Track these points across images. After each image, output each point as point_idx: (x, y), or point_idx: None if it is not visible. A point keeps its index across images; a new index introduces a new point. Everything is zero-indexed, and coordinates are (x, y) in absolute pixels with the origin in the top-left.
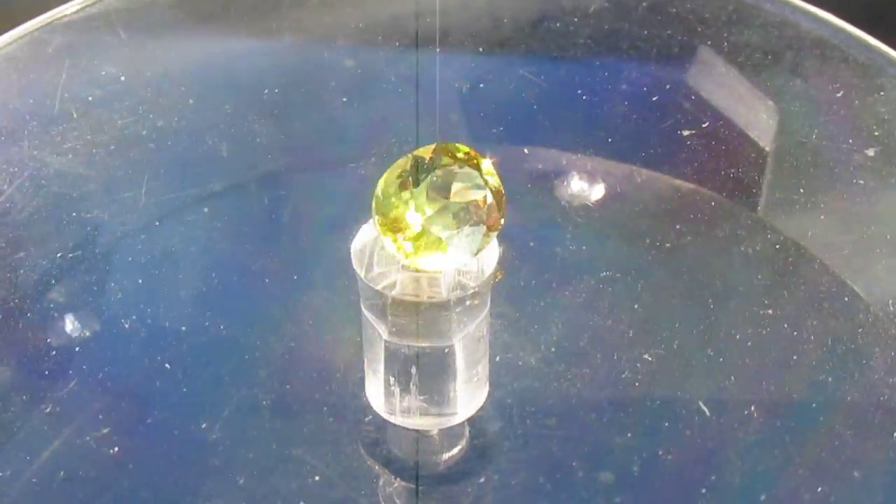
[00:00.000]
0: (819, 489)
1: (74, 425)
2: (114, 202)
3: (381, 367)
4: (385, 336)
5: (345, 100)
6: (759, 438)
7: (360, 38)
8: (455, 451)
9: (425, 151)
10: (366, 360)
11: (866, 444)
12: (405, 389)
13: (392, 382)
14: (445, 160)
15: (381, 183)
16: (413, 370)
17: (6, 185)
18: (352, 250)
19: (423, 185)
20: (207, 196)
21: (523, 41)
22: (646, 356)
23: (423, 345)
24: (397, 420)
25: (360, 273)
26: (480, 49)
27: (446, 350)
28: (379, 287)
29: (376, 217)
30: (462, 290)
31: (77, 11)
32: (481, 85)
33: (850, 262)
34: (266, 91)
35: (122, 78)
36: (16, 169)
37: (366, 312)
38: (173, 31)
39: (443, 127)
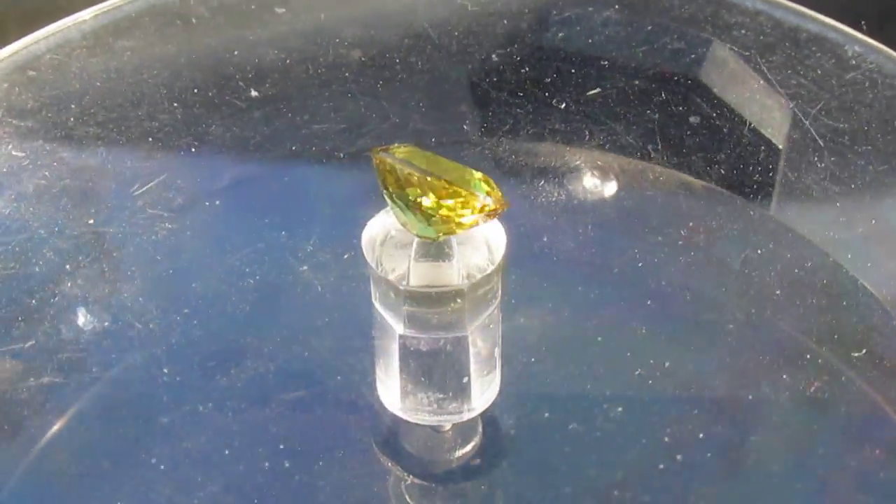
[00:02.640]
0: (832, 484)
1: (86, 419)
2: (122, 195)
3: (473, 365)
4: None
5: (351, 91)
6: (771, 434)
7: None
8: (469, 447)
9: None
10: (437, 378)
11: (881, 440)
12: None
13: (496, 352)
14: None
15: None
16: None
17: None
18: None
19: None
20: (214, 189)
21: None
22: (658, 353)
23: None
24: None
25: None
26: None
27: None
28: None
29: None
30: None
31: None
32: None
33: (860, 257)
34: (271, 82)
35: (130, 68)
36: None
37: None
38: (179, 23)
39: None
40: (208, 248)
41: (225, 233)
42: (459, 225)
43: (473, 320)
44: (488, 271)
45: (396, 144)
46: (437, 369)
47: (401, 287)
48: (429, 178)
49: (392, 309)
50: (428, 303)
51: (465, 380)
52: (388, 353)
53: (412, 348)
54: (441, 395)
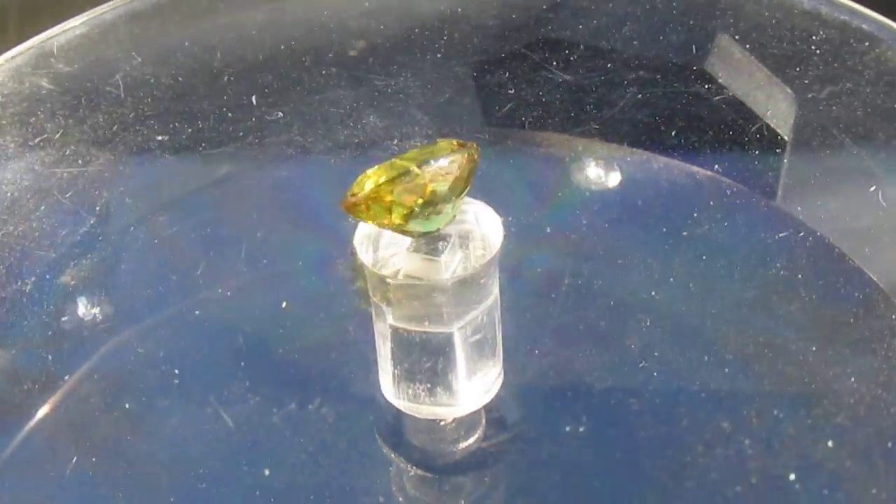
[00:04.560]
0: (839, 480)
1: (84, 413)
2: (121, 185)
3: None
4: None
5: (351, 83)
6: (776, 429)
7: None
8: (471, 440)
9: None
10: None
11: (886, 435)
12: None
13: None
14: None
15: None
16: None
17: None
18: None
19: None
20: (211, 181)
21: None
22: (663, 345)
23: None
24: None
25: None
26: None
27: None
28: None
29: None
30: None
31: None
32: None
33: (866, 249)
34: (272, 73)
35: (123, 61)
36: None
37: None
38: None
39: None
40: (207, 244)
41: (224, 228)
42: (460, 183)
43: (496, 283)
44: (499, 236)
45: (355, 184)
46: (481, 345)
47: (448, 283)
48: (406, 175)
49: (436, 310)
50: (466, 284)
51: (498, 345)
52: (434, 359)
53: (463, 337)
54: (485, 371)
